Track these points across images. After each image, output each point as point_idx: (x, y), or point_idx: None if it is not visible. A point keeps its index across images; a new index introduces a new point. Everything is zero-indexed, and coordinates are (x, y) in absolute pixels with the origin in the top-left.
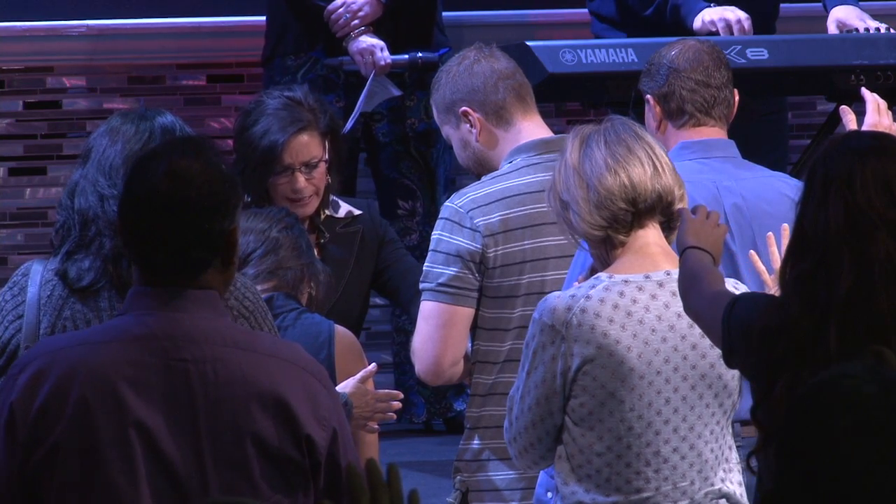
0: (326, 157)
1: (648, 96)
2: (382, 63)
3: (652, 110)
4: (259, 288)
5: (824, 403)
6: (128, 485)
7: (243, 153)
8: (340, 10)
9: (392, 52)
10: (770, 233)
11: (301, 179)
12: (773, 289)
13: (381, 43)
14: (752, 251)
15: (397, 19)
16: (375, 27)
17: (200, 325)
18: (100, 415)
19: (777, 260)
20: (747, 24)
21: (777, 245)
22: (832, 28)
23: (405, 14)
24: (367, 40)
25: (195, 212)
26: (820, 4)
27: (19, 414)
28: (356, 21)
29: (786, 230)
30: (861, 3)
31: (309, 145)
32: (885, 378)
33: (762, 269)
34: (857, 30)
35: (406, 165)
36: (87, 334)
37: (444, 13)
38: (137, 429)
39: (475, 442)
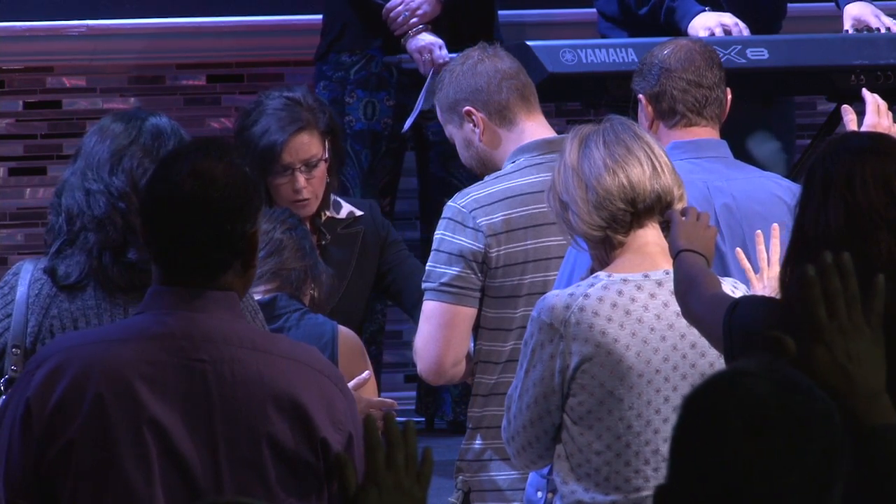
0: (326, 156)
1: (640, 96)
2: (440, 61)
3: (644, 110)
4: (262, 288)
5: (718, 402)
6: (142, 483)
7: (242, 153)
8: (399, 7)
9: (451, 51)
10: (758, 231)
11: (301, 179)
12: (757, 287)
13: (440, 41)
14: (738, 248)
15: (456, 18)
16: (434, 26)
17: (219, 325)
18: (115, 412)
19: (764, 258)
20: (746, 33)
21: (765, 244)
22: (847, 25)
23: (464, 13)
24: (426, 38)
25: (217, 213)
26: (820, 4)
27: (35, 410)
28: (415, 19)
29: (775, 229)
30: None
31: (309, 144)
32: (780, 377)
33: (748, 266)
34: (869, 27)
35: (455, 165)
36: (106, 331)
37: None
38: (153, 427)
39: (477, 442)
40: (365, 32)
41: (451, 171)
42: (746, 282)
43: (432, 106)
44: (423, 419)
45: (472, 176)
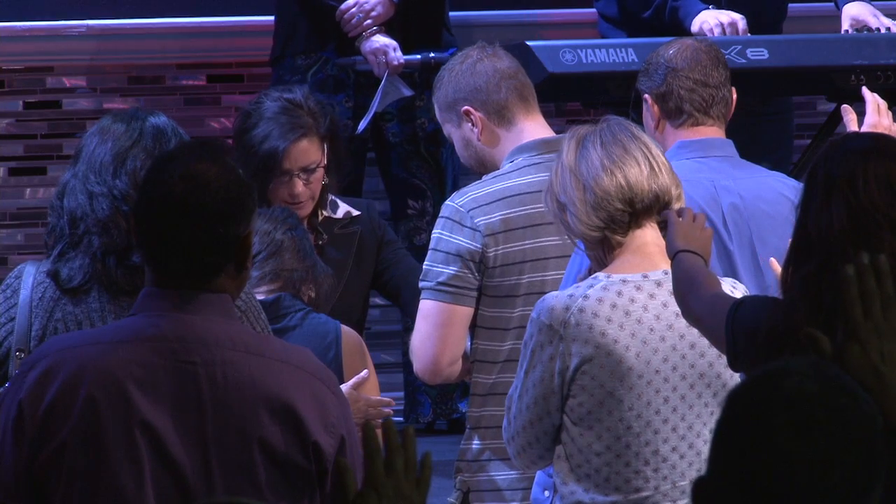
0: (325, 161)
1: (646, 96)
2: (395, 63)
3: (650, 110)
4: (265, 288)
5: (764, 400)
6: (133, 485)
7: (242, 156)
8: (353, 9)
9: (401, 53)
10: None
11: (299, 185)
12: None
13: (394, 43)
14: (772, 258)
15: (407, 19)
16: (386, 27)
17: (211, 328)
18: (107, 414)
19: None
20: (742, 24)
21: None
22: (846, 25)
23: (415, 14)
24: (380, 40)
25: (210, 216)
26: (821, 4)
27: (28, 411)
28: (369, 21)
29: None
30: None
31: (308, 151)
32: (826, 376)
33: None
34: (869, 27)
35: (416, 165)
36: (98, 333)
37: None
38: (144, 429)
39: (476, 442)
40: (318, 34)
41: (412, 172)
42: (758, 283)
43: (387, 108)
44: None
45: (433, 176)
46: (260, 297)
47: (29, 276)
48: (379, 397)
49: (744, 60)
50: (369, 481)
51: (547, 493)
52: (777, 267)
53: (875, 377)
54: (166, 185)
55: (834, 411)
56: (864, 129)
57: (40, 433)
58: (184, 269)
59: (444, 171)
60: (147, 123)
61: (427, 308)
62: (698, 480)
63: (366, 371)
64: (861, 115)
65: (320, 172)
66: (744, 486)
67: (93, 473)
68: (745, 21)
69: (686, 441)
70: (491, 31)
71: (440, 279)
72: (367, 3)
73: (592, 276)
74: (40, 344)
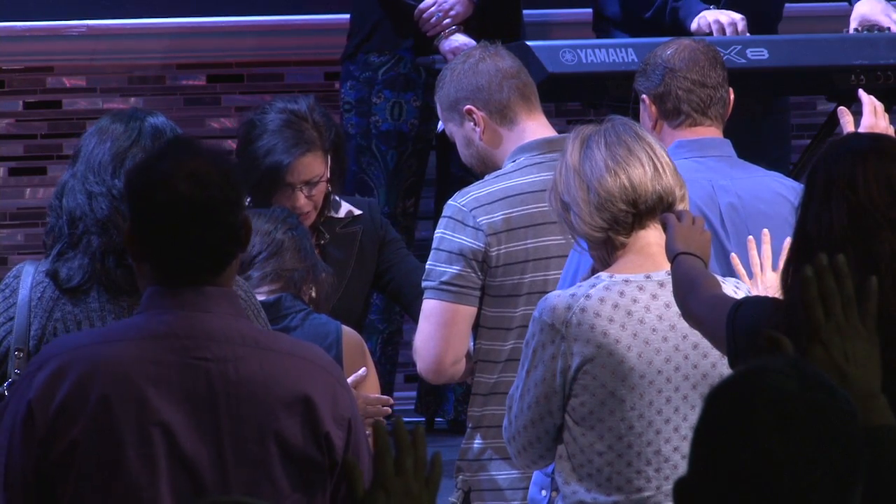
0: (328, 174)
1: (644, 96)
2: None
3: (647, 110)
4: (266, 289)
5: (744, 398)
6: (147, 483)
7: (245, 168)
8: (432, 8)
9: None
10: (750, 237)
11: (301, 198)
12: (752, 292)
13: (473, 42)
14: (733, 254)
15: (484, 19)
16: (464, 26)
17: (220, 324)
18: (121, 413)
19: (756, 264)
20: (741, 24)
21: (756, 249)
22: (854, 24)
23: (492, 13)
24: (460, 39)
25: (219, 208)
26: (820, 4)
27: (38, 412)
28: (448, 20)
29: (766, 235)
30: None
31: (312, 165)
32: (805, 374)
33: (742, 272)
34: (880, 26)
35: None
36: (107, 332)
37: None
38: (159, 427)
39: (477, 441)
40: (395, 33)
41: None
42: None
43: None
44: (422, 419)
45: None
46: (261, 297)
47: (28, 276)
48: (378, 395)
49: (744, 60)
50: (378, 480)
51: (544, 493)
52: (738, 264)
53: (839, 377)
54: (169, 187)
55: (814, 408)
56: (861, 131)
57: (51, 433)
58: (199, 265)
59: None
60: (146, 123)
61: (430, 308)
62: (679, 481)
63: (364, 369)
64: (859, 115)
65: (323, 185)
66: (725, 486)
67: (104, 472)
68: (744, 22)
69: (689, 441)
70: None
71: (443, 278)
72: (446, 2)
73: (595, 275)
74: (39, 343)
